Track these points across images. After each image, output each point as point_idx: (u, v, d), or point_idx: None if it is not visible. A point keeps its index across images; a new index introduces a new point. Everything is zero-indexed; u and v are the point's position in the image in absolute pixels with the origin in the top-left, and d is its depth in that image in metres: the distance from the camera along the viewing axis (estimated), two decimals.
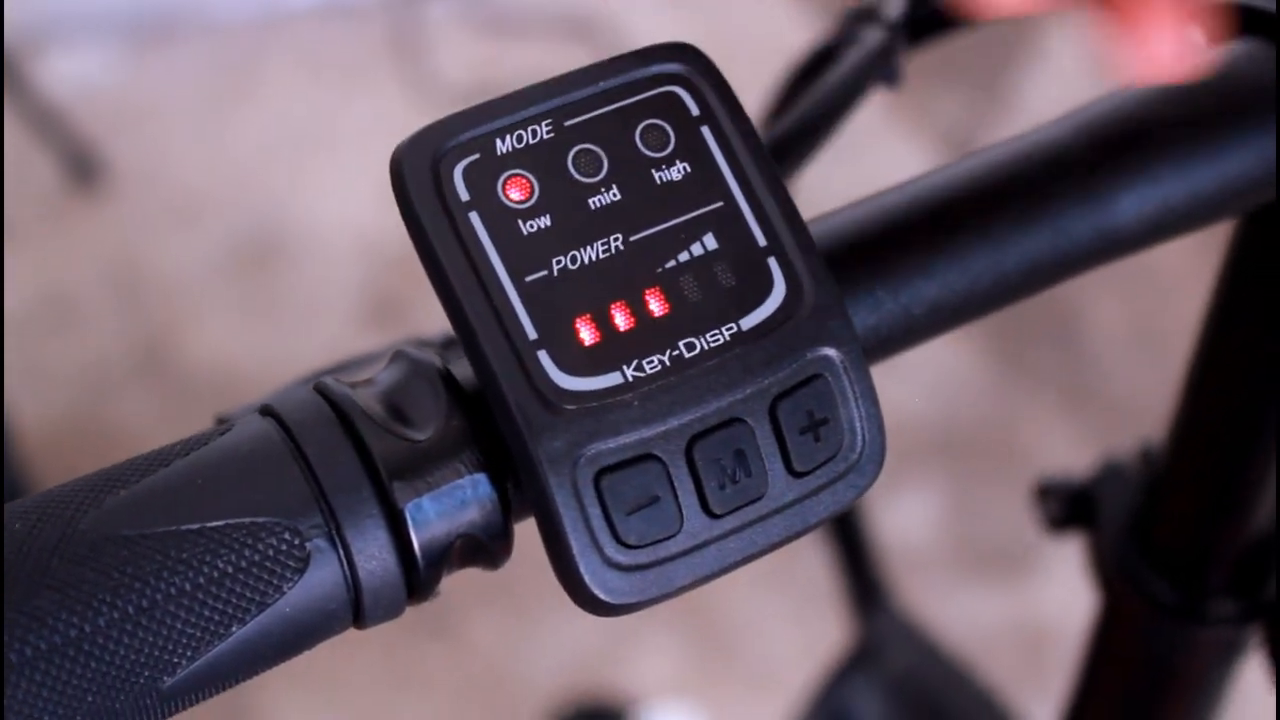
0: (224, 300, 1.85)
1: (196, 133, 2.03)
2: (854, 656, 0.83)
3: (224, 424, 0.36)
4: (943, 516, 1.64)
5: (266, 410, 0.34)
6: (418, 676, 1.52)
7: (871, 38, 0.54)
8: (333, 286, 1.85)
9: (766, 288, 0.35)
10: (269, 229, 1.91)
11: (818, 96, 0.51)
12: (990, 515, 1.64)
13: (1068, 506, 0.62)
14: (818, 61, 0.58)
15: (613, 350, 0.34)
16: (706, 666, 1.54)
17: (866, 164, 1.87)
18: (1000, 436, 1.72)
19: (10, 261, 1.85)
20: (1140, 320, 1.80)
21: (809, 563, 1.15)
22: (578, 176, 0.35)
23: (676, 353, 0.34)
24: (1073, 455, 1.68)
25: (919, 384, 1.72)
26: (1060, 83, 2.00)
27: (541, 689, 1.50)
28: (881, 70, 0.55)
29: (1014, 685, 1.45)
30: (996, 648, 1.55)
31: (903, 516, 1.63)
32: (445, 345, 0.46)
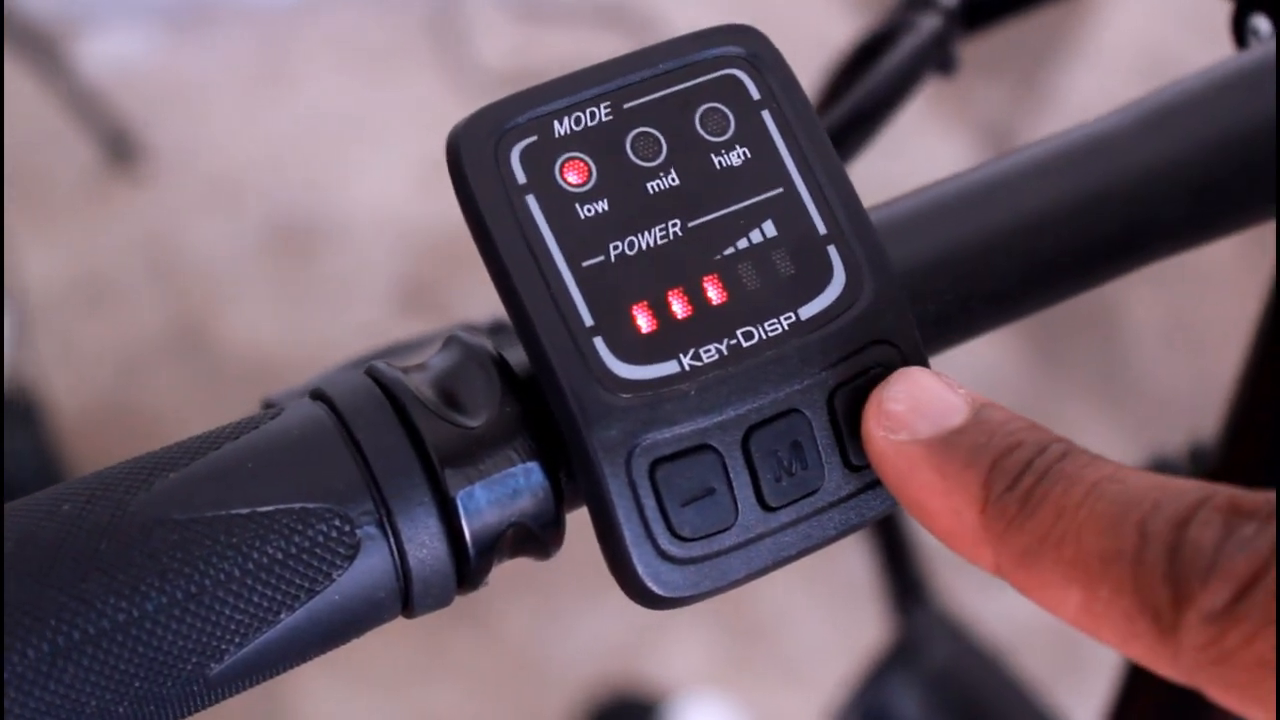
0: (259, 283, 1.85)
1: (235, 115, 2.03)
2: (893, 652, 0.82)
3: (272, 407, 0.35)
4: None
5: (318, 394, 0.34)
6: (448, 664, 1.51)
7: (928, 24, 0.54)
8: (367, 271, 1.85)
9: (826, 277, 0.34)
10: (305, 213, 1.91)
11: (873, 84, 0.51)
12: None
13: None
14: (870, 48, 0.58)
15: (670, 338, 0.33)
16: (738, 659, 1.54)
17: (905, 156, 1.86)
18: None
19: (48, 241, 1.86)
20: (1177, 313, 1.78)
21: (842, 555, 1.14)
22: (636, 160, 0.34)
23: (734, 342, 0.33)
24: (1109, 448, 1.67)
25: (956, 376, 1.70)
26: (1099, 76, 1.99)
27: (572, 679, 1.49)
28: (937, 57, 0.54)
29: (1051, 682, 1.44)
30: (1033, 644, 1.54)
31: None
32: (493, 331, 0.46)
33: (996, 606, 1.57)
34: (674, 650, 1.53)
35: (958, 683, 0.81)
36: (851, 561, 1.32)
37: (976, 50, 0.58)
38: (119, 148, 1.94)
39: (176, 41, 2.11)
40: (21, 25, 1.92)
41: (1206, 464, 0.60)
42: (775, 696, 1.53)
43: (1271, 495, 0.27)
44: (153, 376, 1.76)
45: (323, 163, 1.97)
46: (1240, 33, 0.46)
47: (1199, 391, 1.67)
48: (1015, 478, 0.30)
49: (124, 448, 1.75)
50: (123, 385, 1.75)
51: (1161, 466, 0.61)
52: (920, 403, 0.32)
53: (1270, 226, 0.47)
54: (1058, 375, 1.74)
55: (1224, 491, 0.28)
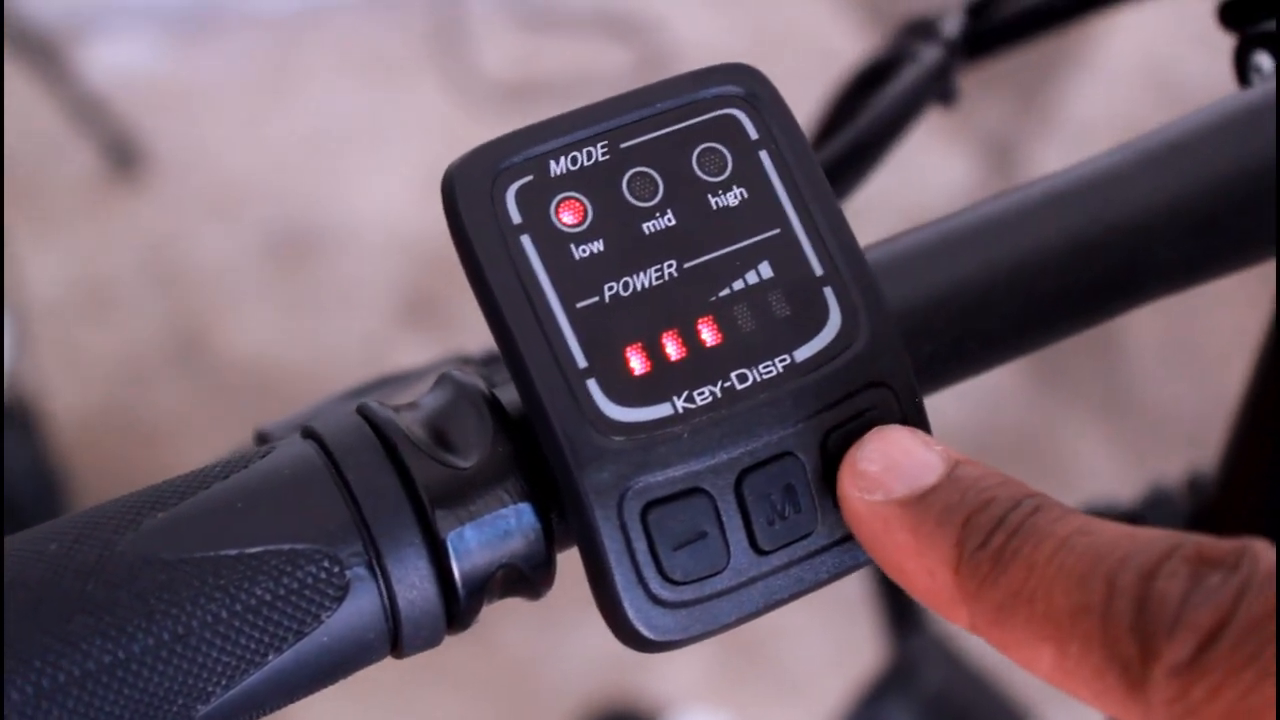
0: (261, 292, 1.85)
1: (237, 123, 2.03)
2: (888, 676, 0.82)
3: (264, 441, 0.35)
4: None
5: (308, 432, 0.34)
6: (447, 676, 1.51)
7: (929, 55, 0.53)
8: (369, 282, 1.85)
9: (822, 318, 0.34)
10: (307, 222, 1.91)
11: (873, 115, 0.51)
12: None
13: None
14: (871, 77, 0.57)
15: (663, 381, 0.33)
16: (735, 674, 1.53)
17: (908, 169, 1.86)
18: (1036, 445, 1.71)
19: (49, 248, 1.86)
20: (1177, 331, 1.78)
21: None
22: (632, 201, 0.34)
23: (728, 384, 0.33)
24: (1108, 464, 1.67)
25: (956, 392, 1.70)
26: (1103, 90, 1.99)
27: (570, 691, 1.49)
28: (938, 88, 0.54)
29: (1044, 699, 1.44)
30: None
31: None
32: (486, 362, 0.46)
33: None
34: (671, 665, 1.53)
35: (952, 708, 0.81)
36: (850, 579, 1.31)
37: (981, 64, 0.58)
38: (121, 155, 1.94)
39: (180, 49, 2.11)
40: (24, 31, 1.92)
41: (1205, 494, 0.60)
42: (772, 713, 1.53)
43: (1240, 543, 0.27)
44: (153, 385, 1.76)
45: (325, 171, 1.97)
46: (1243, 69, 0.46)
47: (1198, 410, 1.67)
48: (987, 535, 0.30)
49: (124, 457, 1.76)
50: (123, 394, 1.75)
51: (1159, 497, 0.61)
52: (894, 462, 0.32)
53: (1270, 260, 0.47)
54: (1057, 394, 1.74)
55: (1192, 541, 0.28)
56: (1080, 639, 0.28)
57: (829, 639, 1.51)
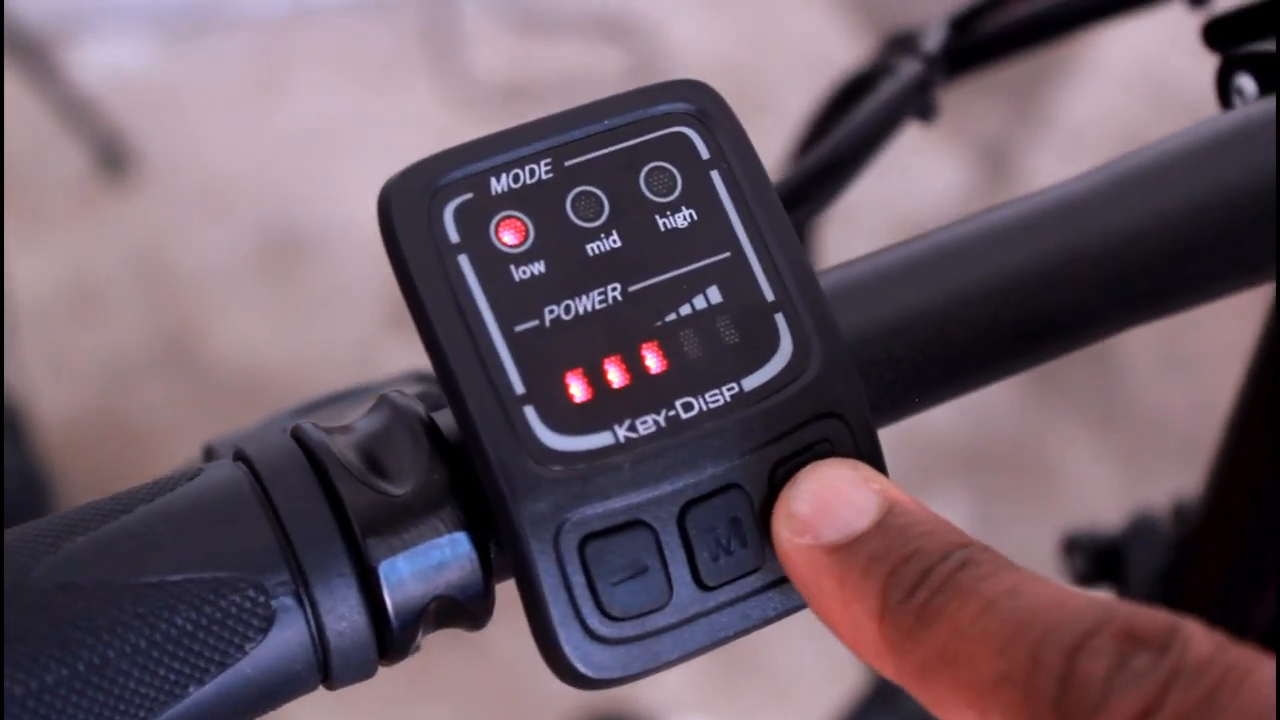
0: (249, 294, 1.84)
1: (227, 125, 2.02)
2: (871, 694, 0.81)
3: (211, 457, 0.34)
4: (967, 525, 1.62)
5: (239, 454, 0.33)
6: (435, 682, 1.50)
7: (908, 70, 0.52)
8: (358, 284, 1.84)
9: (772, 346, 0.33)
10: (296, 224, 1.90)
11: (846, 130, 0.50)
12: (1015, 533, 1.61)
13: (1095, 562, 0.59)
14: (853, 90, 0.56)
15: (605, 409, 0.32)
16: (727, 683, 1.52)
17: (901, 174, 1.85)
18: (1027, 454, 1.70)
19: (37, 249, 1.85)
20: (1169, 342, 1.77)
21: None
22: (576, 221, 0.33)
23: (673, 413, 0.32)
24: (1099, 474, 1.66)
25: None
26: (1097, 95, 1.98)
27: (559, 700, 1.48)
28: (917, 104, 0.52)
29: None
30: None
31: None
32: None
33: None
34: (663, 674, 1.52)
35: None
36: None
37: (962, 80, 0.57)
38: (110, 156, 1.93)
39: (170, 50, 2.10)
40: (15, 30, 1.90)
41: (1190, 522, 0.59)
42: (763, 719, 1.52)
43: (1170, 622, 0.26)
44: (141, 387, 1.75)
45: (315, 173, 1.95)
46: (1225, 92, 0.45)
47: (1192, 423, 1.65)
48: (911, 590, 0.28)
49: (111, 459, 1.75)
50: (110, 395, 1.74)
51: (1144, 525, 0.60)
52: (825, 504, 0.31)
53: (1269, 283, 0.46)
54: (1050, 404, 1.73)
55: (1122, 615, 0.26)
56: (1001, 709, 0.26)
57: (823, 650, 1.50)
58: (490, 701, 1.51)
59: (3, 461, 1.40)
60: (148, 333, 1.80)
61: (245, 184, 1.94)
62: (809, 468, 0.32)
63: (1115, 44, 2.00)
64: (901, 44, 0.54)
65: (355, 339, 1.78)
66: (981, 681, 0.27)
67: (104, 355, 1.77)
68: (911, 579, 0.29)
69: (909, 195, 1.83)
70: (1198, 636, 0.26)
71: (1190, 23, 0.45)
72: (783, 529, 0.31)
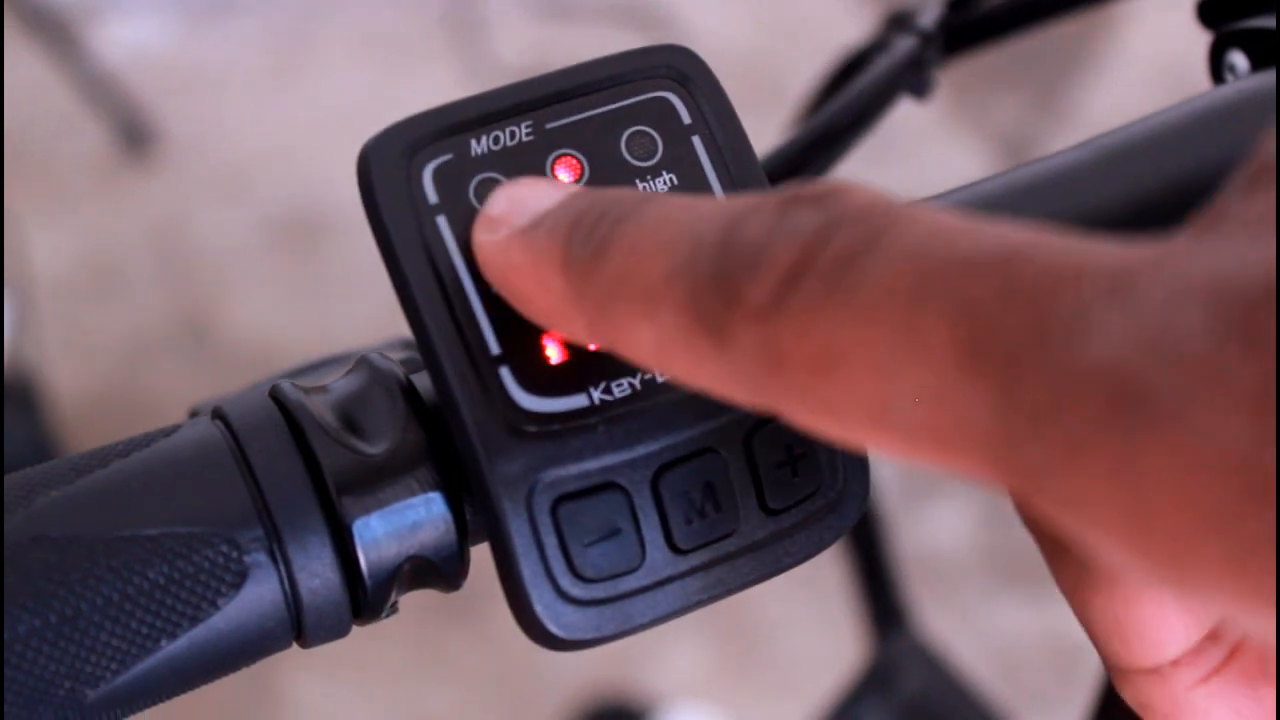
0: (267, 274, 1.85)
1: (249, 105, 2.03)
2: (866, 677, 0.81)
3: (176, 424, 0.34)
4: (976, 527, 1.62)
5: (216, 412, 0.33)
6: (441, 665, 1.51)
7: (903, 46, 0.52)
8: (375, 265, 1.82)
9: None
10: (315, 205, 1.90)
11: (840, 104, 0.49)
12: (1025, 531, 1.61)
13: None
14: (851, 67, 0.56)
15: (580, 371, 0.32)
16: (732, 668, 1.52)
17: (921, 166, 1.85)
18: None
19: (57, 226, 1.85)
20: None
21: (838, 568, 1.13)
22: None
23: (648, 376, 0.32)
24: None
25: None
26: (1118, 88, 1.97)
27: (564, 684, 1.48)
28: (912, 81, 0.52)
29: (1044, 700, 1.43)
30: (1027, 661, 1.52)
31: (936, 527, 1.60)
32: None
33: (989, 622, 1.55)
34: (667, 658, 1.52)
35: (931, 712, 0.80)
36: (838, 577, 1.31)
37: (995, 61, 0.56)
38: (131, 134, 1.94)
39: (193, 30, 2.11)
40: (39, 9, 1.91)
41: None
42: (767, 707, 1.52)
43: (832, 181, 0.24)
44: (157, 365, 1.75)
45: (335, 155, 1.96)
46: (1217, 68, 0.45)
47: None
48: (590, 229, 0.27)
49: (127, 436, 1.75)
50: (127, 373, 1.75)
51: None
52: (517, 200, 0.30)
53: None
54: None
55: (780, 189, 0.25)
56: (670, 305, 0.25)
57: (827, 634, 1.50)
58: (495, 685, 1.51)
59: (1, 433, 1.40)
60: (165, 311, 1.80)
61: (265, 164, 1.95)
62: (503, 184, 0.31)
63: (1136, 37, 1.99)
64: (899, 22, 0.53)
65: (371, 320, 1.78)
66: (651, 285, 0.26)
67: (122, 332, 1.78)
68: (591, 219, 0.28)
69: (930, 186, 1.82)
70: (858, 189, 0.24)
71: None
72: (480, 234, 0.31)
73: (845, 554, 0.87)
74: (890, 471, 1.59)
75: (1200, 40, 0.45)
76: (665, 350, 0.26)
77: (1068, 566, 0.30)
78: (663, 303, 0.25)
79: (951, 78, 0.55)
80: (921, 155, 1.81)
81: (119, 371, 1.75)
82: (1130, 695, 0.30)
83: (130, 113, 1.94)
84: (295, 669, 1.47)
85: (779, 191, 0.25)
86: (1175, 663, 0.29)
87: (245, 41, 2.10)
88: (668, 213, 0.26)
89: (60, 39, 1.92)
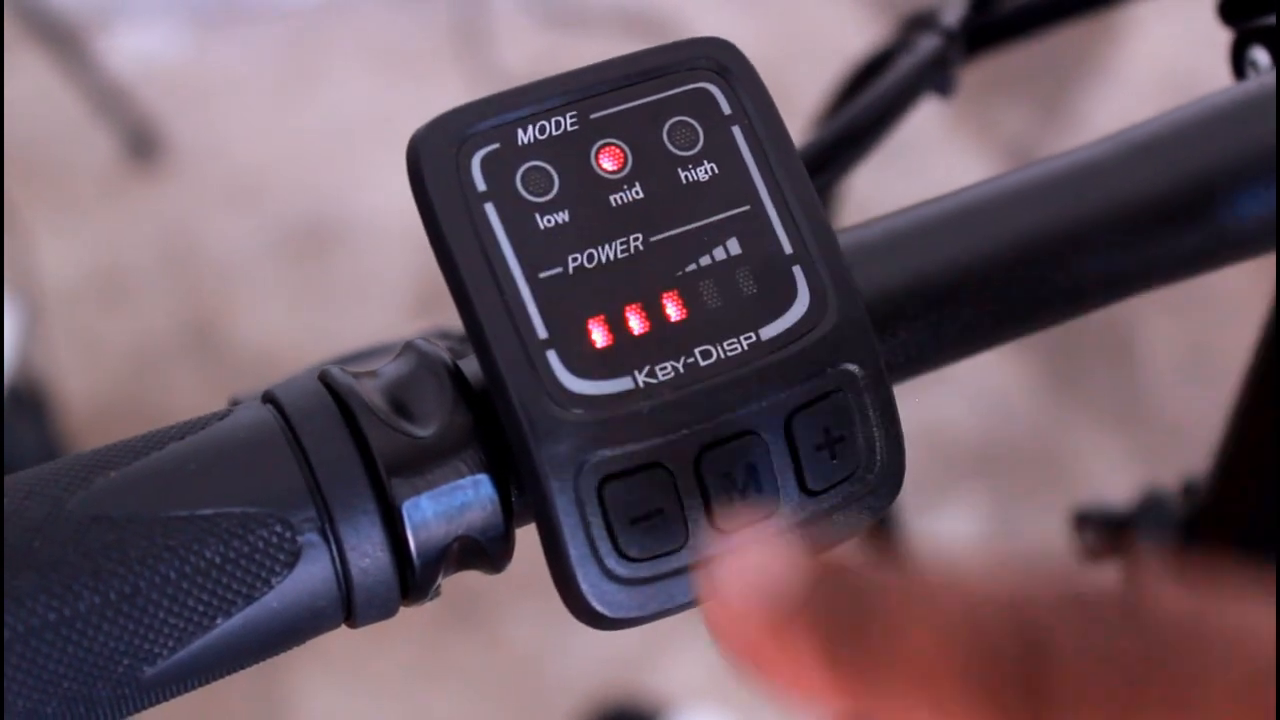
0: (276, 282, 1.85)
1: (257, 114, 2.04)
2: None
3: (228, 408, 0.35)
4: (984, 534, 1.62)
5: (268, 397, 0.33)
6: (449, 667, 1.51)
7: (926, 45, 0.53)
8: (385, 273, 1.85)
9: (789, 297, 0.33)
10: (325, 214, 1.91)
11: (866, 102, 0.50)
12: (1031, 535, 1.61)
13: (1105, 537, 0.60)
14: (873, 67, 0.57)
15: (625, 354, 0.32)
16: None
17: (928, 175, 1.85)
18: (1048, 454, 1.70)
19: (66, 235, 1.86)
20: (1195, 341, 1.77)
21: None
22: (600, 172, 0.34)
23: (691, 360, 0.33)
24: (1120, 476, 1.66)
25: (966, 400, 1.69)
26: (1124, 97, 1.98)
27: (572, 687, 1.49)
28: (935, 79, 0.53)
29: None
30: None
31: (944, 531, 1.60)
32: (465, 340, 0.45)
33: None
34: (676, 662, 1.52)
35: None
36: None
37: (1001, 71, 0.57)
38: (140, 143, 1.95)
39: (202, 39, 2.11)
40: (48, 18, 1.92)
41: (1199, 500, 0.59)
42: (775, 712, 1.52)
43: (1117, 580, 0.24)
44: (166, 373, 1.76)
45: (343, 164, 1.97)
46: (1239, 64, 0.45)
47: (1214, 421, 1.65)
48: (850, 628, 0.26)
49: None
50: (136, 381, 1.75)
51: (1154, 502, 0.60)
52: (745, 578, 0.27)
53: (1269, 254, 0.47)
54: (1070, 403, 1.73)
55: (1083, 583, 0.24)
56: (963, 707, 0.24)
57: None
58: (503, 688, 1.51)
59: (2, 440, 1.41)
60: (174, 319, 1.81)
61: (273, 173, 1.95)
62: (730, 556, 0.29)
63: (1143, 45, 2.00)
64: (921, 22, 0.54)
65: (379, 328, 1.79)
66: (935, 681, 0.24)
67: (131, 341, 1.79)
68: (847, 608, 0.26)
69: (931, 193, 1.83)
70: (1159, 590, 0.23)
71: (1216, 22, 0.45)
72: (714, 618, 0.28)
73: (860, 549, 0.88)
74: None
75: (1204, 48, 0.46)
76: None
77: None
78: (953, 700, 0.24)
79: (959, 88, 0.56)
80: (928, 164, 1.81)
81: (128, 379, 1.75)
82: None
83: (138, 122, 1.94)
84: (303, 672, 1.47)
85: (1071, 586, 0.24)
86: None
87: (253, 51, 2.11)
88: (939, 604, 0.25)
89: (69, 49, 1.93)
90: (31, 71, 1.91)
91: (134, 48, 2.08)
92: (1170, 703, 0.23)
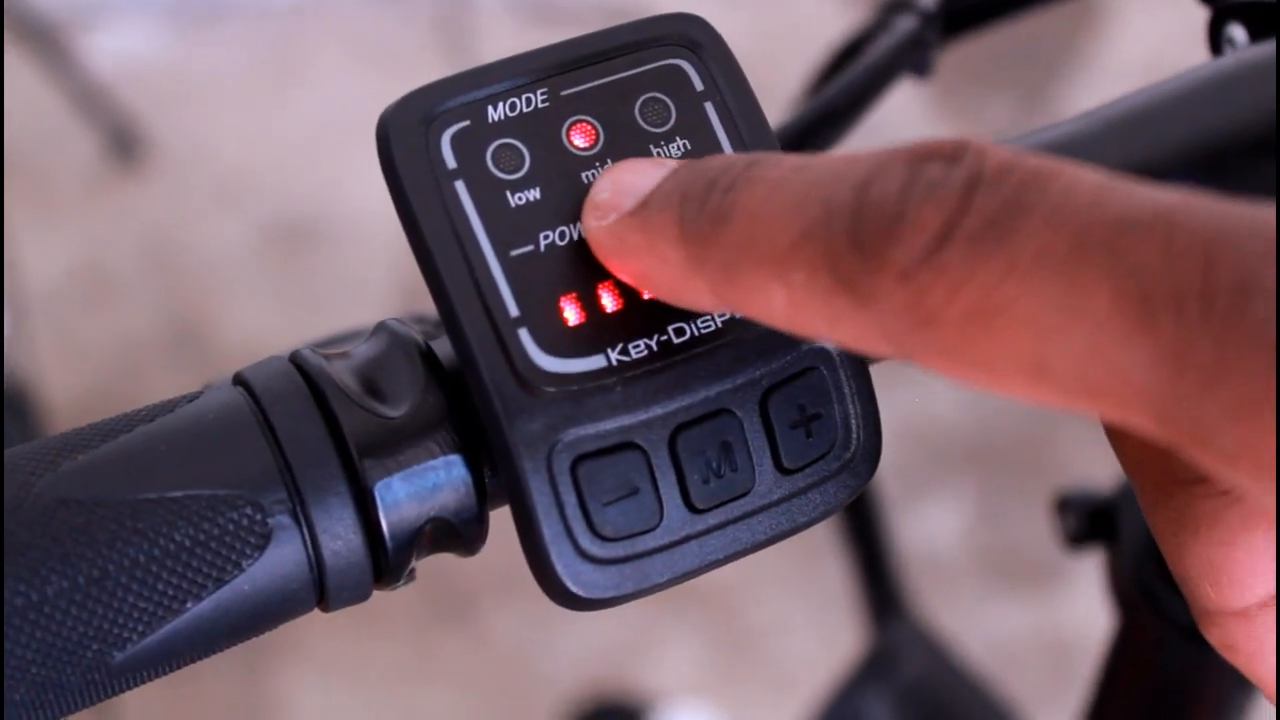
0: (260, 282, 1.85)
1: (240, 113, 2.03)
2: (868, 664, 0.81)
3: (198, 390, 0.34)
4: (971, 526, 1.62)
5: (238, 378, 0.33)
6: (436, 666, 1.51)
7: (903, 25, 0.53)
8: (369, 272, 1.84)
9: None
10: (307, 213, 1.90)
11: (844, 82, 0.50)
12: (1018, 527, 1.62)
13: (1088, 522, 0.60)
14: (853, 48, 0.57)
15: (598, 332, 0.32)
16: (727, 667, 1.53)
17: None
18: (1033, 448, 1.70)
19: (49, 235, 1.85)
20: None
21: (832, 564, 1.14)
22: (571, 149, 0.33)
23: (665, 338, 0.32)
24: (1104, 469, 1.66)
25: (955, 393, 1.69)
26: (1108, 90, 1.97)
27: (561, 684, 1.49)
28: (912, 60, 0.53)
29: (1038, 698, 1.43)
30: (1021, 660, 1.53)
31: (930, 525, 1.61)
32: (439, 324, 0.45)
33: (982, 620, 1.56)
34: (662, 657, 1.52)
35: (931, 697, 0.80)
36: (843, 568, 1.31)
37: (983, 60, 0.57)
38: (122, 143, 1.94)
39: (183, 38, 2.11)
40: (28, 18, 1.91)
41: None
42: (762, 706, 1.52)
43: (959, 138, 0.25)
44: (150, 373, 1.75)
45: (327, 162, 1.96)
46: (1216, 41, 0.45)
47: None
48: (702, 199, 0.28)
49: None
50: (120, 381, 1.75)
51: None
52: (621, 184, 0.31)
53: None
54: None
55: (909, 145, 0.25)
56: (804, 267, 0.26)
57: (822, 634, 1.50)
58: (490, 685, 1.51)
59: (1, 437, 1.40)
60: (159, 319, 1.80)
61: (257, 172, 1.95)
62: (606, 168, 0.32)
63: (1124, 38, 2.00)
64: (900, 3, 0.54)
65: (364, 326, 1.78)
66: (780, 249, 0.26)
67: (115, 341, 1.78)
68: (702, 191, 0.28)
69: None
70: (991, 145, 0.25)
71: (1199, 15, 0.45)
72: (590, 220, 0.32)
73: (843, 544, 0.88)
74: (884, 471, 1.60)
75: (1186, 37, 0.46)
76: (799, 310, 0.26)
77: (1166, 512, 0.30)
78: (795, 264, 0.26)
79: (941, 79, 0.56)
80: None
81: (111, 379, 1.75)
82: (1216, 637, 0.30)
83: (121, 121, 1.94)
84: (291, 671, 1.47)
85: (905, 148, 0.26)
86: (1262, 604, 0.30)
87: (235, 49, 2.10)
88: (783, 175, 0.27)
89: (49, 48, 1.92)
90: (12, 72, 1.90)
91: (116, 47, 2.08)
92: (985, 230, 0.24)
